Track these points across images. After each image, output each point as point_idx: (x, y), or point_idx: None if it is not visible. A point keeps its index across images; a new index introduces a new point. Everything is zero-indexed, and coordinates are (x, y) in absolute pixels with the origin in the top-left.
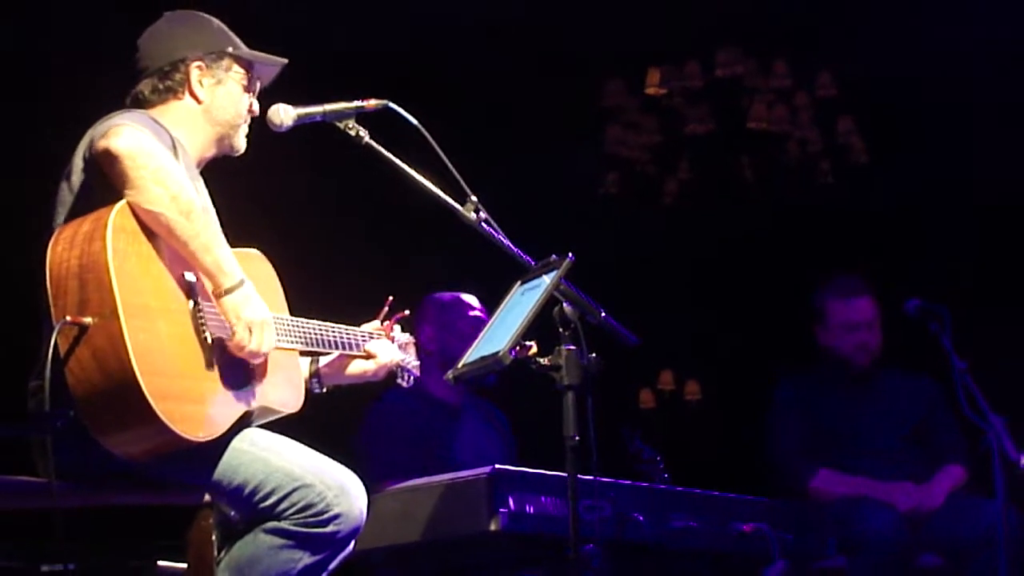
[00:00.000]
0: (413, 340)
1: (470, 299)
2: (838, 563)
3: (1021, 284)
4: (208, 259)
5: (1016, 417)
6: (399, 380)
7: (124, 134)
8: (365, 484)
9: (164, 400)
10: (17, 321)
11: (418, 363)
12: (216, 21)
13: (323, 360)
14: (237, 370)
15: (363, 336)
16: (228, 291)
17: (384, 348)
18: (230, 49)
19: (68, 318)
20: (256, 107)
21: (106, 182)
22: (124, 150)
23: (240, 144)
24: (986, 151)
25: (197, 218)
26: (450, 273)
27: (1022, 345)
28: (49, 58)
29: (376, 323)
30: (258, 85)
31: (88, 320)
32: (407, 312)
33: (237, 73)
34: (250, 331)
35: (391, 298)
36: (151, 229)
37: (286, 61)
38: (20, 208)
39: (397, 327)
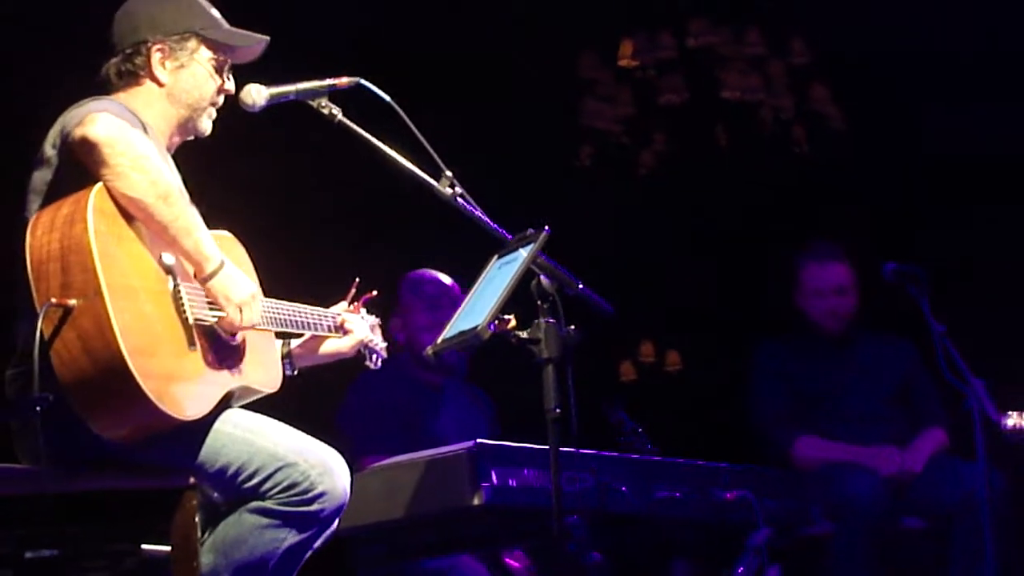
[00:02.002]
0: (379, 322)
1: (433, 275)
2: (823, 529)
3: (1000, 247)
4: (188, 243)
5: (996, 379)
6: (367, 362)
7: (100, 121)
8: (347, 461)
9: (151, 379)
10: None
11: (385, 344)
12: None
13: (294, 342)
14: (218, 350)
15: (333, 317)
16: (212, 275)
17: (359, 323)
18: (197, 29)
19: (53, 300)
20: (230, 86)
21: (81, 169)
22: (102, 137)
23: (205, 127)
24: (962, 115)
25: (175, 202)
26: (423, 253)
27: (1001, 307)
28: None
29: (344, 304)
30: (229, 64)
31: (72, 302)
32: (374, 293)
33: (204, 55)
34: (240, 310)
35: (358, 280)
36: (130, 213)
37: (265, 39)
38: None
39: (363, 309)
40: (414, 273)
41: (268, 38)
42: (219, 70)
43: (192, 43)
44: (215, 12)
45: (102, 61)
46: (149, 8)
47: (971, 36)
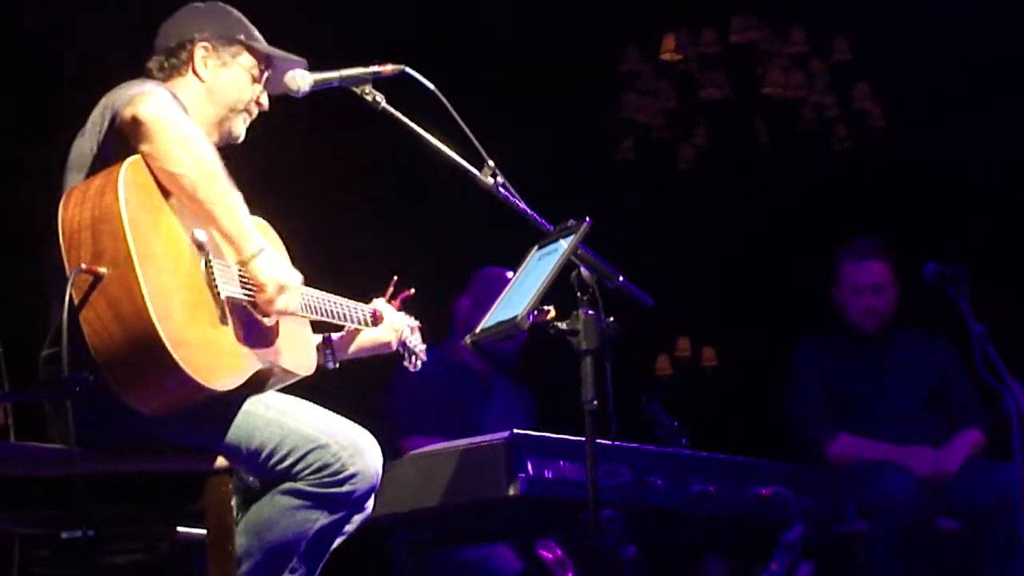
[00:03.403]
0: (419, 325)
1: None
2: (857, 527)
3: None
4: (232, 225)
5: None
6: (405, 362)
7: (151, 101)
8: (387, 446)
9: (181, 347)
10: (30, 289)
11: (424, 347)
12: (237, 13)
13: (334, 334)
14: (249, 328)
15: (372, 311)
16: (253, 256)
17: (396, 314)
18: (242, 37)
19: (83, 265)
20: (265, 101)
21: (128, 148)
22: (152, 115)
23: (239, 131)
24: (1004, 113)
25: (220, 181)
26: (463, 243)
27: None
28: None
29: (381, 300)
30: (267, 79)
31: (103, 270)
32: (412, 291)
33: (247, 61)
34: (280, 290)
35: (396, 278)
36: (168, 190)
37: (304, 61)
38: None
39: (403, 311)
40: (496, 270)
41: (304, 60)
42: (258, 79)
43: (236, 47)
44: (258, 33)
45: (144, 62)
46: (196, 15)
47: (1012, 36)
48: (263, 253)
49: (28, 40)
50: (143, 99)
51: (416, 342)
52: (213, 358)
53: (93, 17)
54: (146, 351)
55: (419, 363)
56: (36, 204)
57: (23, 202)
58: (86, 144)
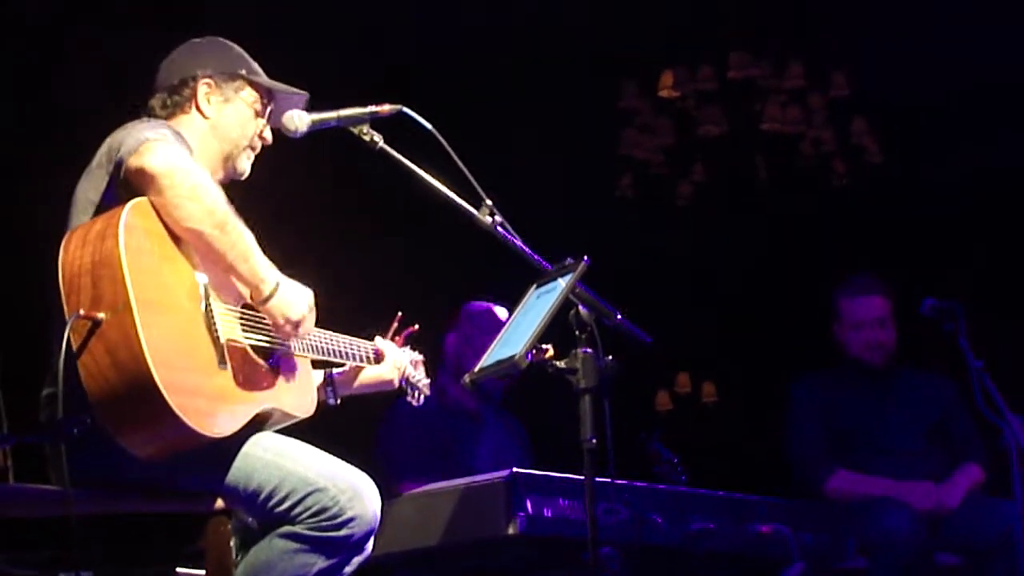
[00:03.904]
0: (422, 359)
1: (500, 312)
2: (857, 564)
3: None
4: (244, 268)
5: None
6: (408, 398)
7: (158, 152)
8: (383, 487)
9: (178, 394)
10: (32, 330)
11: (428, 381)
12: (238, 48)
13: (336, 370)
14: (249, 372)
15: (373, 348)
16: (269, 297)
17: (397, 351)
18: (243, 72)
19: (81, 311)
20: (269, 135)
21: (135, 195)
22: (160, 169)
23: (244, 167)
24: (1003, 149)
25: (232, 229)
26: (465, 283)
27: None
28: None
29: (384, 338)
30: (270, 114)
31: (101, 315)
32: (416, 327)
33: (249, 96)
34: (296, 327)
35: (400, 314)
36: (176, 235)
37: (306, 94)
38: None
39: (407, 346)
40: (483, 305)
41: (307, 94)
42: (261, 114)
43: (238, 83)
44: (258, 67)
45: (145, 100)
46: (197, 52)
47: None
48: (278, 292)
49: (28, 40)
50: (150, 149)
51: (419, 376)
52: (211, 404)
53: (93, 17)
54: (143, 398)
55: (422, 398)
56: (40, 243)
57: (27, 241)
58: (91, 187)
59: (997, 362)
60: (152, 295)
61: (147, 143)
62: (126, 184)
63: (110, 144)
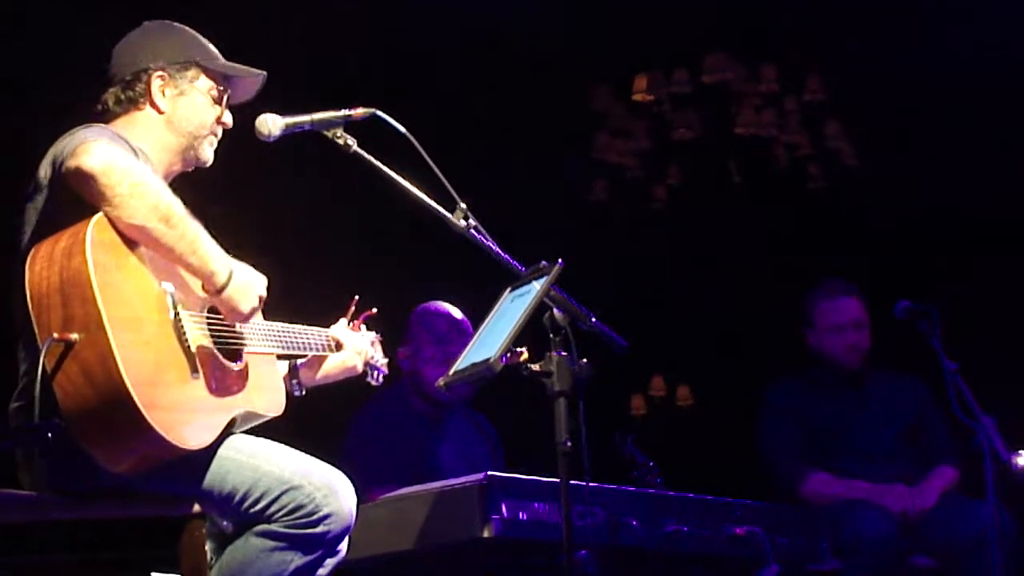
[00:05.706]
0: (379, 337)
1: (445, 309)
2: (832, 566)
3: (1011, 284)
4: (194, 260)
5: (1006, 417)
6: (368, 379)
7: (95, 151)
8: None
9: (156, 410)
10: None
11: (386, 360)
12: (189, 31)
13: (300, 362)
14: (220, 376)
15: (331, 336)
16: (223, 287)
17: (354, 337)
18: (198, 59)
19: (55, 335)
20: (229, 119)
21: (77, 199)
22: (97, 167)
23: (206, 156)
24: (976, 154)
25: (178, 222)
26: (435, 284)
27: (1013, 344)
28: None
29: (344, 322)
30: (227, 98)
31: (74, 336)
32: (374, 310)
33: (205, 84)
34: (251, 313)
35: (356, 297)
36: (134, 241)
37: (264, 73)
38: None
39: (363, 326)
40: (426, 305)
41: (265, 73)
42: (218, 100)
43: (192, 72)
44: (213, 48)
45: (100, 91)
46: (149, 40)
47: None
48: (231, 282)
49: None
50: (87, 150)
51: (377, 356)
52: (187, 417)
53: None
54: (122, 416)
55: (381, 378)
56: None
57: None
58: (41, 198)
59: (969, 364)
60: (123, 311)
61: (84, 143)
62: (64, 186)
63: (54, 153)
